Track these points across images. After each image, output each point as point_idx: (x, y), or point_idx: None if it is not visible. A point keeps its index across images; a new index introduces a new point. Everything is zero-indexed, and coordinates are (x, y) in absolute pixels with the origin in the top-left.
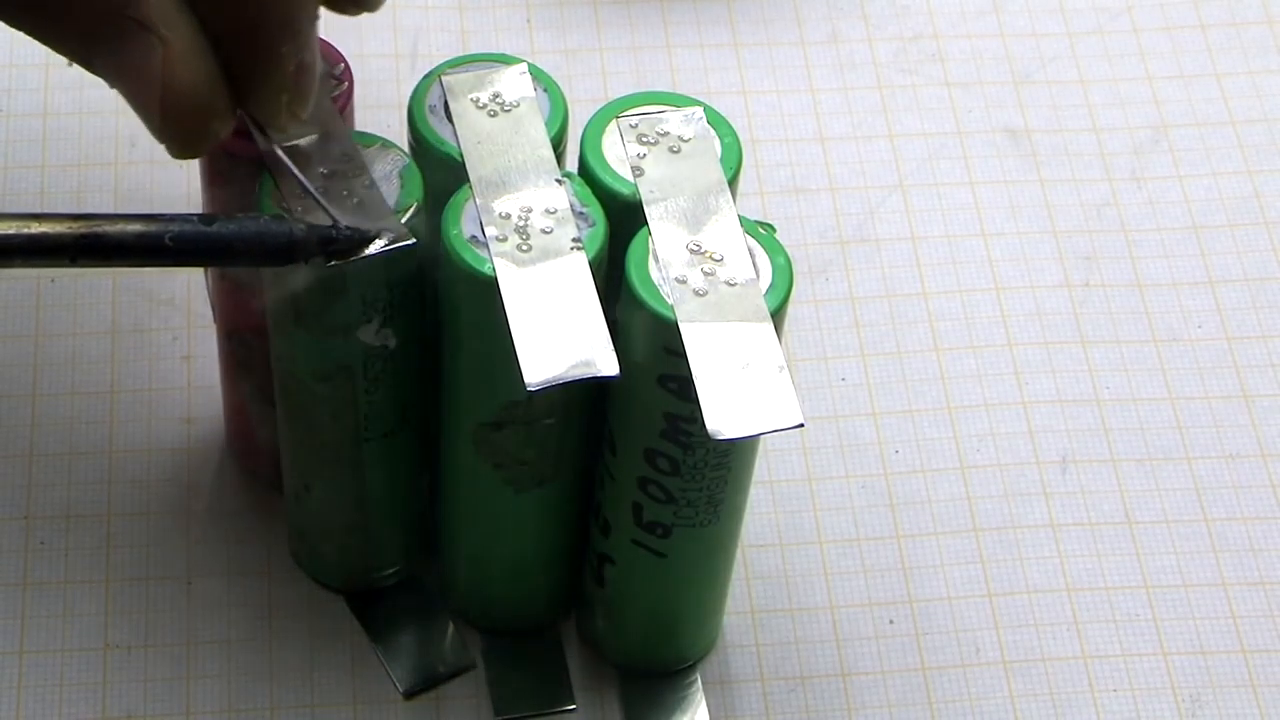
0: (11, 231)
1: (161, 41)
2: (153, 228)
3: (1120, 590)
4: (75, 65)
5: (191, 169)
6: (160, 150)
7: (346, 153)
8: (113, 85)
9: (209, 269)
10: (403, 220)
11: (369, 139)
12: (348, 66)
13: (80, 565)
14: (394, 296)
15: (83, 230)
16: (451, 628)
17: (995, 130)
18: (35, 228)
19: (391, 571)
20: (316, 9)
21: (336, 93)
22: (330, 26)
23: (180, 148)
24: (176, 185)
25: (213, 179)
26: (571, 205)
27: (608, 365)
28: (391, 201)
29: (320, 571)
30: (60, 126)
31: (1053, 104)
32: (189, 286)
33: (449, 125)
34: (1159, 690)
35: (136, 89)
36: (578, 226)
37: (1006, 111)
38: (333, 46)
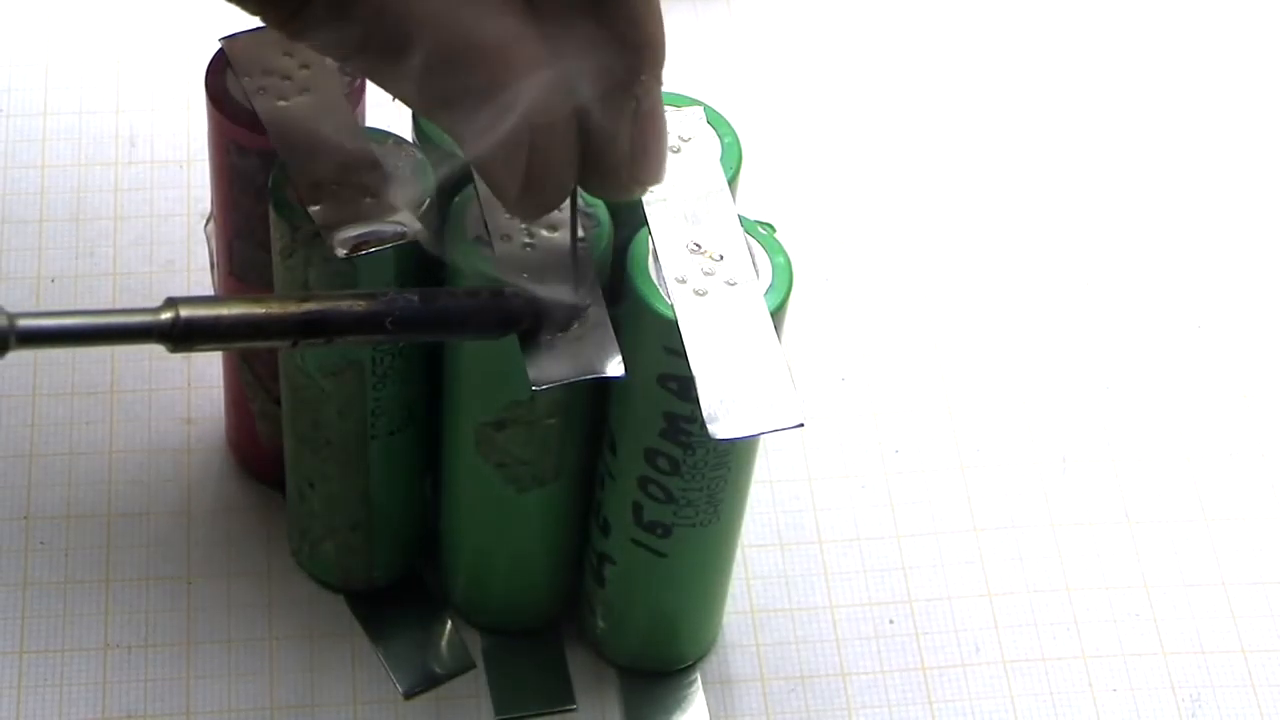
0: (242, 312)
1: (534, 133)
2: (375, 309)
3: (1120, 590)
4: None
5: (192, 167)
6: (160, 150)
7: (359, 148)
8: (467, 155)
9: (213, 264)
10: (416, 214)
11: (381, 135)
12: None
13: (80, 565)
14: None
15: (307, 314)
16: (451, 628)
17: (995, 127)
18: (263, 310)
19: (391, 571)
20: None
21: (349, 89)
22: None
23: (530, 216)
24: (177, 185)
25: (221, 172)
26: None
27: (613, 366)
28: (405, 197)
29: (320, 571)
30: (60, 126)
31: (1049, 91)
32: (189, 286)
33: None
34: (1159, 690)
35: (497, 172)
36: (582, 226)
37: (1004, 100)
38: None
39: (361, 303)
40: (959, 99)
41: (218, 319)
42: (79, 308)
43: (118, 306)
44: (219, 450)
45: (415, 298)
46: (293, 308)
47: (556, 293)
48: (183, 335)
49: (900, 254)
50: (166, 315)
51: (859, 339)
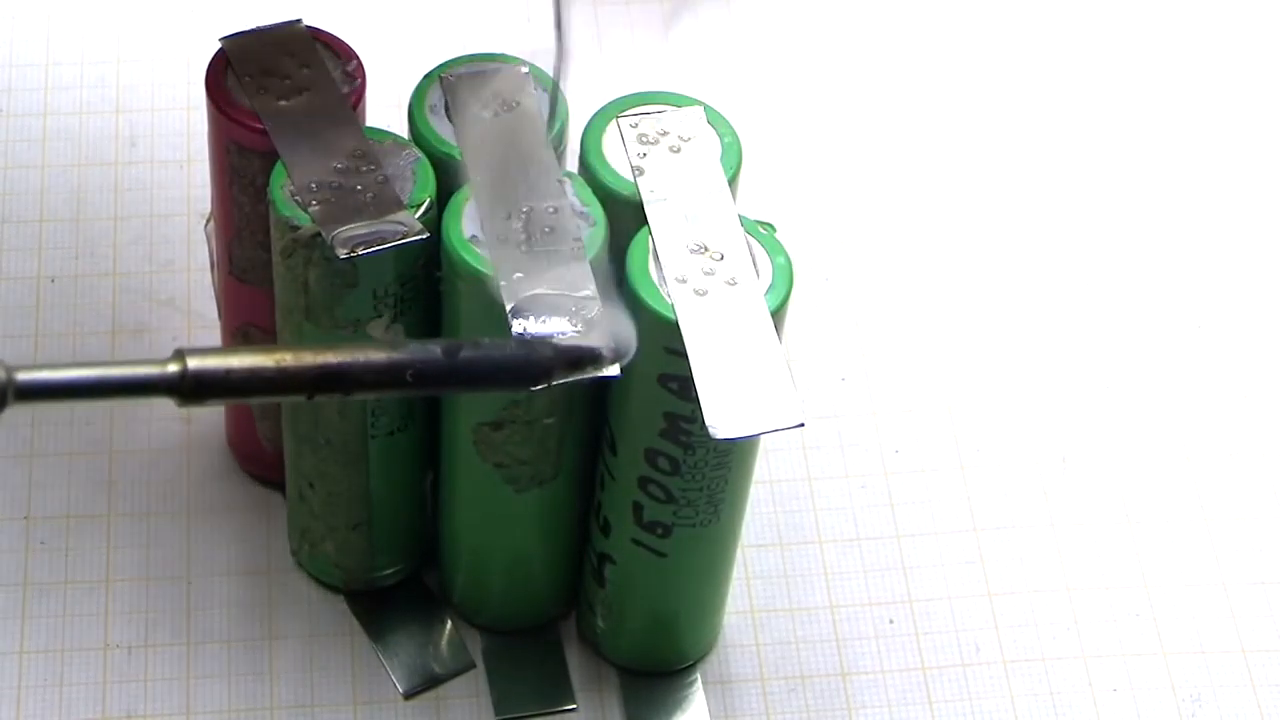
0: (253, 365)
1: None
2: (395, 361)
3: (1120, 590)
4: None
5: (192, 167)
6: (160, 150)
7: (359, 148)
8: None
9: (213, 264)
10: (416, 215)
11: (381, 135)
12: (360, 63)
13: (80, 565)
14: (404, 291)
15: (323, 367)
16: (451, 628)
17: (995, 127)
18: (279, 363)
19: (391, 571)
20: None
21: (349, 89)
22: (333, 24)
23: None
24: (177, 185)
25: (221, 172)
26: (572, 205)
27: (609, 366)
28: (405, 197)
29: (320, 571)
30: (60, 126)
31: (1049, 91)
32: (189, 286)
33: (449, 125)
34: (1159, 690)
35: None
36: (578, 226)
37: (1004, 100)
38: (345, 43)
39: (380, 354)
40: (959, 99)
41: (228, 372)
42: (81, 359)
43: (121, 358)
44: (219, 450)
45: (438, 349)
46: (308, 360)
47: (586, 340)
48: (192, 390)
49: (900, 254)
50: (174, 368)
51: (859, 339)
